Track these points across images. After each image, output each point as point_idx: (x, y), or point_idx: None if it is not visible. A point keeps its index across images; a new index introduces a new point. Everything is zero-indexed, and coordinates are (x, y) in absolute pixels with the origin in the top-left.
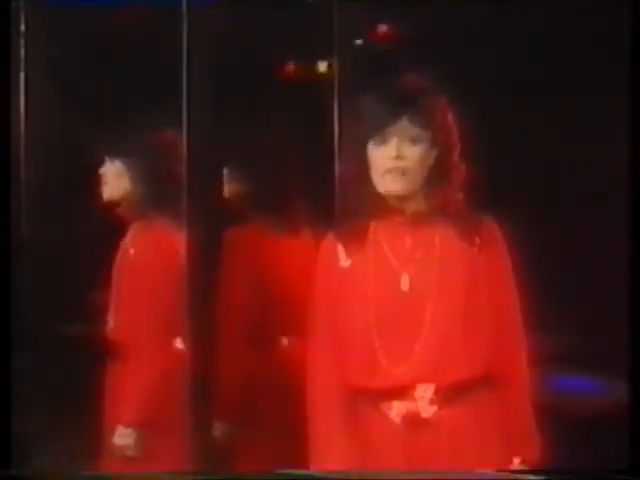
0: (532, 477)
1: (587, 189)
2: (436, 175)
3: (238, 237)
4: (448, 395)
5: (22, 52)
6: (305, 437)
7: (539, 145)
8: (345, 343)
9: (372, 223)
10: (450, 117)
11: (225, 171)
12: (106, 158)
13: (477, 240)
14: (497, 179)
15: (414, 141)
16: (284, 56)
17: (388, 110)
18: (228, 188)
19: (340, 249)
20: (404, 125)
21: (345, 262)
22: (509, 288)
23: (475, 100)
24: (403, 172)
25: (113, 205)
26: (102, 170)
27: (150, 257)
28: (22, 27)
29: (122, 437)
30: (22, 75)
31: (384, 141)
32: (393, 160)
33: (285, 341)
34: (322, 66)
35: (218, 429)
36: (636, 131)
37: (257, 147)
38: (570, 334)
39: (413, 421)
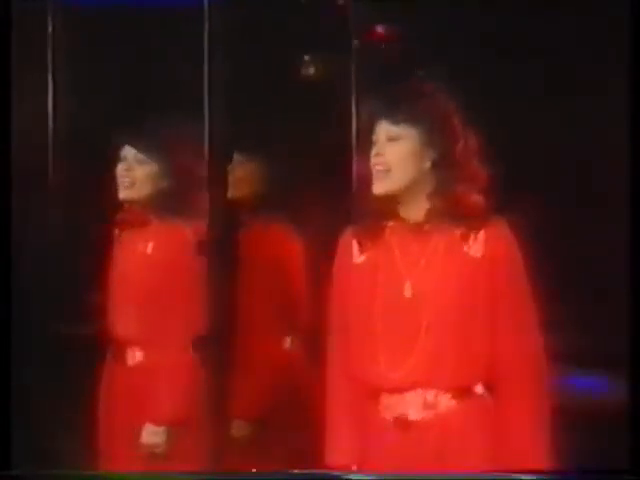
0: (531, 477)
1: (588, 189)
2: (436, 176)
3: (253, 236)
4: (442, 401)
5: (49, 53)
6: (314, 435)
7: (539, 145)
8: (353, 342)
9: (389, 224)
10: (447, 117)
11: (243, 169)
12: (129, 157)
13: (483, 245)
14: (497, 179)
15: (394, 139)
16: (300, 54)
17: (374, 109)
18: (245, 187)
19: (355, 246)
20: (385, 124)
21: (358, 259)
22: (514, 294)
23: (474, 101)
24: (385, 172)
25: (133, 205)
26: (125, 170)
27: (167, 256)
28: (49, 29)
29: (152, 435)
30: (50, 76)
31: (373, 141)
32: (375, 158)
33: (296, 339)
34: (315, 66)
35: (235, 427)
36: (636, 131)
37: (275, 144)
38: (571, 334)
39: (405, 424)
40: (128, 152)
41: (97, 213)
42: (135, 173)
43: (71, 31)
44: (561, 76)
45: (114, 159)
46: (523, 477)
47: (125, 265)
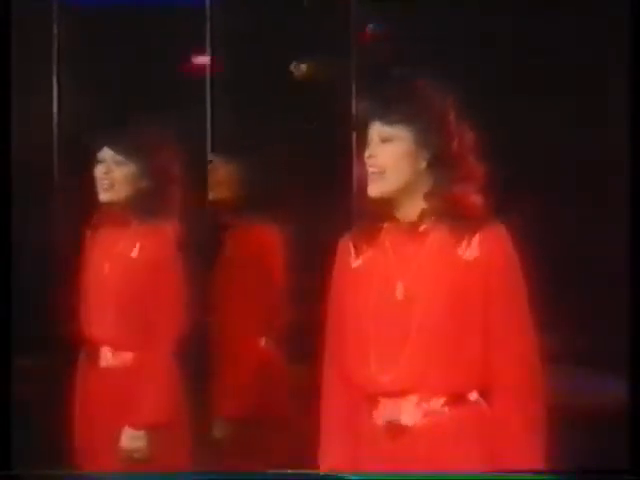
0: (531, 477)
1: (588, 189)
2: (432, 176)
3: (235, 237)
4: (435, 407)
5: (55, 55)
6: (297, 434)
7: (539, 145)
8: (347, 345)
9: (385, 226)
10: (441, 116)
11: (229, 170)
12: (107, 159)
13: (478, 248)
14: (495, 180)
15: (387, 140)
16: (298, 55)
17: (367, 110)
18: (230, 187)
19: (352, 250)
20: (378, 125)
21: (355, 263)
22: (508, 299)
23: (473, 101)
24: (380, 173)
25: (112, 206)
26: (103, 173)
27: (148, 257)
28: (55, 30)
29: (132, 440)
30: (55, 78)
31: (367, 143)
32: (368, 160)
33: (276, 339)
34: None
35: (216, 428)
36: (636, 131)
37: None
38: (570, 334)
39: (397, 430)
40: (106, 154)
41: (86, 214)
42: (114, 175)
43: (69, 31)
44: (561, 76)
45: (93, 161)
46: (523, 477)
47: (107, 267)
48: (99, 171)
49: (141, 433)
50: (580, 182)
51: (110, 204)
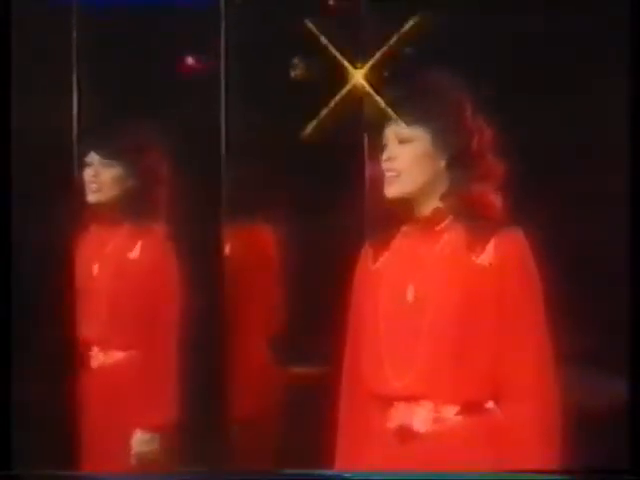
0: (532, 477)
1: (587, 189)
2: (450, 175)
3: (233, 237)
4: (448, 414)
5: (74, 57)
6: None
7: (538, 145)
8: (362, 348)
9: (401, 229)
10: (459, 113)
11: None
12: (97, 160)
13: (493, 252)
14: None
15: (405, 141)
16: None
17: (384, 111)
18: (227, 187)
19: (370, 254)
20: (394, 126)
21: (373, 267)
22: (522, 306)
23: (474, 101)
24: (398, 174)
25: (101, 207)
26: (92, 176)
27: (143, 258)
28: (74, 33)
29: (143, 443)
30: (74, 78)
31: (383, 144)
32: (386, 163)
33: (279, 340)
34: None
35: (223, 428)
36: (636, 131)
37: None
38: (571, 334)
39: (406, 434)
40: (93, 157)
41: (84, 215)
42: (102, 177)
43: (66, 32)
44: (561, 76)
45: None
46: (524, 477)
47: (98, 267)
48: (87, 174)
49: (154, 436)
50: (580, 182)
51: (99, 205)
